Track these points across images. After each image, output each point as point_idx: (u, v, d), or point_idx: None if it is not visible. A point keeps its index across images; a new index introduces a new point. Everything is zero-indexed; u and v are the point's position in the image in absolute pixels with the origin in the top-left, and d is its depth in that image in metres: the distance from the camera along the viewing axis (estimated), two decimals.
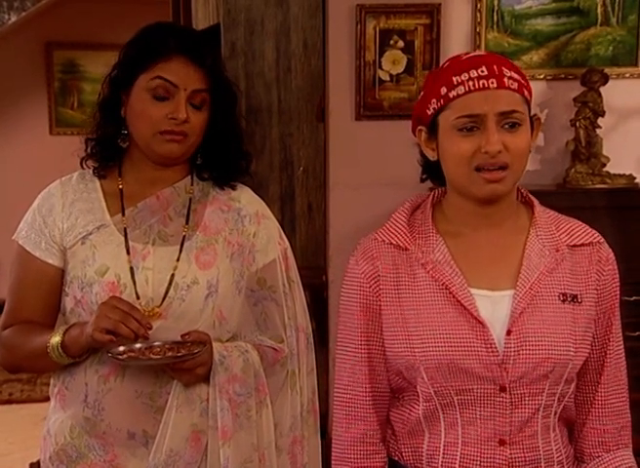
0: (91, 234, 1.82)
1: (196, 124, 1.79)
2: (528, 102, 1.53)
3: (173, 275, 1.79)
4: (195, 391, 1.78)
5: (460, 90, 1.49)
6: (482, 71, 1.48)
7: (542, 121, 3.52)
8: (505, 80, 1.48)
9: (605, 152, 3.45)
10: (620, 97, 3.51)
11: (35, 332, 1.80)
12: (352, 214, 3.43)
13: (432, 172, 1.62)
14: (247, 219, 1.89)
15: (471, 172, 1.50)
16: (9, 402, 5.15)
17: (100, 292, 1.76)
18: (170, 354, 1.70)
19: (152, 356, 1.70)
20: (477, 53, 1.58)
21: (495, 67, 1.49)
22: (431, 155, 1.58)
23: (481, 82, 1.48)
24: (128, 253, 1.80)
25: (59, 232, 1.83)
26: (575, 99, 3.42)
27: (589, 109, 3.41)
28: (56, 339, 1.74)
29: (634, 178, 3.43)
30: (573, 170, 3.42)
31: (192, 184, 1.88)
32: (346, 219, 3.44)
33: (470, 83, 1.48)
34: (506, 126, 1.49)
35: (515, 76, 1.50)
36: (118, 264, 1.79)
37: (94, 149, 1.86)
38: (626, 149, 3.52)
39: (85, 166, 1.89)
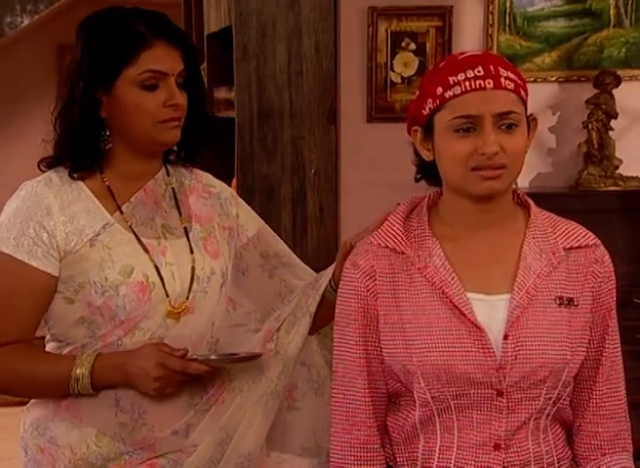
0: (99, 235, 1.72)
1: (185, 104, 1.75)
2: (524, 102, 1.52)
3: (193, 268, 1.77)
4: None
5: (457, 90, 1.47)
6: (478, 71, 1.47)
7: (555, 123, 3.53)
8: (502, 80, 1.47)
9: (617, 154, 3.43)
10: (633, 99, 3.49)
11: (40, 360, 1.72)
12: (364, 216, 3.36)
13: (427, 172, 1.61)
14: (227, 202, 1.91)
15: (468, 171, 1.48)
16: (21, 404, 5.15)
17: (130, 294, 1.69)
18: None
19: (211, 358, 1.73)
20: (473, 52, 1.55)
21: (491, 67, 1.47)
22: (427, 155, 1.56)
23: (477, 82, 1.46)
24: (145, 250, 1.74)
25: (61, 236, 1.70)
26: (587, 102, 3.41)
27: (602, 111, 3.39)
28: (82, 372, 1.67)
29: None
30: (585, 172, 3.41)
31: (168, 175, 1.85)
32: (358, 222, 3.38)
33: (467, 83, 1.46)
34: (503, 127, 1.47)
35: (512, 76, 1.48)
36: (140, 263, 1.72)
37: (71, 154, 1.76)
38: (639, 152, 3.50)
39: (42, 168, 1.81)
